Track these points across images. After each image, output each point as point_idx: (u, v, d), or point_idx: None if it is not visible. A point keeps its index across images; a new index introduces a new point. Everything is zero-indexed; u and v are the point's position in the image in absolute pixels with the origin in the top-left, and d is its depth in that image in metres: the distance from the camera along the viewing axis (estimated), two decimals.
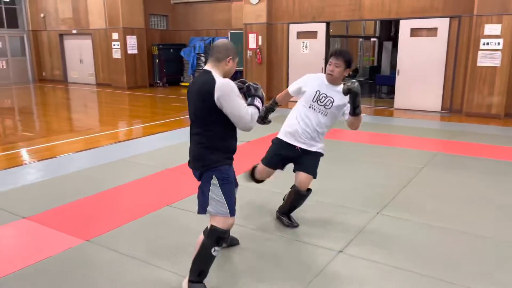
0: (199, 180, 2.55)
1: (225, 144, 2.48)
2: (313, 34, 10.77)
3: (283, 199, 3.57)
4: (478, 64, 8.54)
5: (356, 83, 2.87)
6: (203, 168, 2.47)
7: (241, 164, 3.09)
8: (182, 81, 15.01)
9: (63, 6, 15.56)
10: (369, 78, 14.92)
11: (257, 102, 2.49)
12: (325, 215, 3.69)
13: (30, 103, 12.11)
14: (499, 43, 8.30)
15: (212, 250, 2.43)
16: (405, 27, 9.53)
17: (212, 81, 2.35)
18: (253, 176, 3.56)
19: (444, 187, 4.47)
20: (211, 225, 2.46)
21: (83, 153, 5.95)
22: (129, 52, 14.06)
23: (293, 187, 3.33)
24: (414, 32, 9.46)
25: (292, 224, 3.43)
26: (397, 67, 9.79)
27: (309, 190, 3.33)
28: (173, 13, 15.71)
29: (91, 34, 15.09)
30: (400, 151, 6.03)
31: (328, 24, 10.61)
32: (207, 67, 2.47)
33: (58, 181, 4.65)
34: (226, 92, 2.32)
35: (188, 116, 2.59)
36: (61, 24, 15.86)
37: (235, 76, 14.63)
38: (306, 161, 3.28)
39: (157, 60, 14.83)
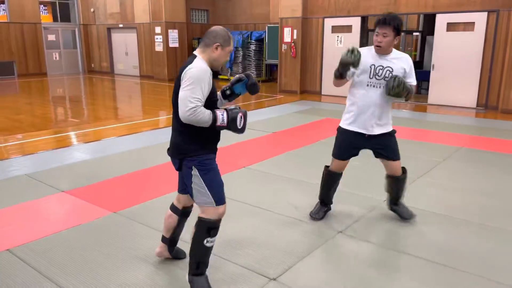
0: (177, 170, 2.49)
1: (202, 131, 2.32)
2: (347, 28, 10.82)
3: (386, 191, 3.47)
4: None
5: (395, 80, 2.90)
6: (181, 156, 2.39)
7: None
8: (221, 74, 15.45)
9: (111, 1, 16.43)
10: None
11: (221, 114, 2.28)
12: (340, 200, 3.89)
13: (80, 92, 13.01)
14: None
15: (205, 241, 2.37)
16: (441, 21, 9.39)
17: (188, 65, 2.28)
18: (330, 174, 3.40)
19: (460, 180, 4.54)
20: (199, 216, 2.40)
21: (125, 137, 6.48)
22: (171, 45, 14.67)
23: (388, 177, 3.33)
24: (451, 27, 9.30)
25: (407, 211, 3.42)
26: (432, 62, 9.67)
27: (404, 171, 3.31)
28: (214, 7, 16.17)
29: (136, 28, 15.85)
30: (422, 145, 6.08)
31: (363, 18, 10.61)
32: (196, 52, 2.39)
33: (98, 161, 5.16)
34: (189, 75, 2.21)
35: None
36: (109, 18, 16.76)
37: (272, 69, 14.89)
38: (385, 146, 3.18)
39: None
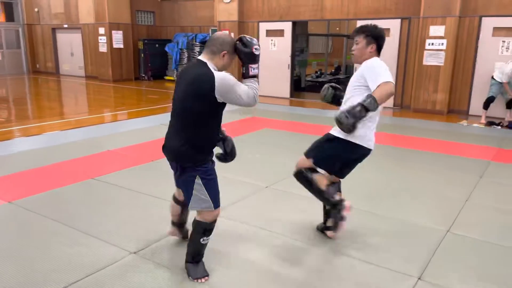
0: (177, 171, 2.55)
1: (210, 140, 2.51)
2: (280, 32, 11.39)
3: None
4: (424, 63, 9.11)
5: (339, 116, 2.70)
6: (187, 165, 2.47)
7: None
8: (167, 75, 15.71)
9: (55, 1, 16.32)
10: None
11: (252, 82, 2.43)
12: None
13: (24, 93, 12.92)
14: (443, 44, 8.86)
15: (201, 240, 2.60)
16: None
17: (210, 74, 2.34)
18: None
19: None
20: (196, 219, 2.59)
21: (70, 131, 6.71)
22: (115, 46, 14.78)
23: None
24: None
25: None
26: (355, 66, 10.38)
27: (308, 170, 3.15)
28: (160, 9, 16.39)
29: (81, 29, 15.84)
30: None
31: (294, 23, 11.21)
32: (203, 58, 2.43)
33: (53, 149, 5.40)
34: (227, 87, 2.33)
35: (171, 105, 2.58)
36: (53, 18, 16.64)
37: None
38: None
39: (142, 55, 15.55)
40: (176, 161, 2.53)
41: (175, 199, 3.00)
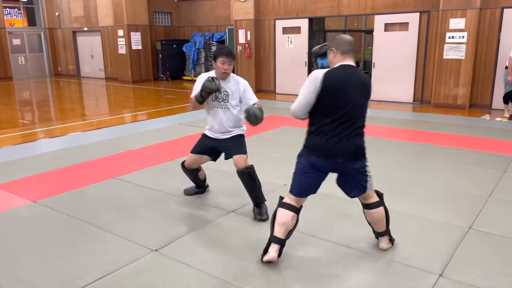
0: (345, 173, 2.76)
1: None
2: (297, 30, 11.35)
3: None
4: (445, 57, 8.94)
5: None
6: (362, 160, 2.76)
7: None
8: (184, 75, 15.85)
9: (75, 4, 16.66)
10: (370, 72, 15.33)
11: None
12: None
13: (47, 95, 13.26)
14: (463, 37, 8.68)
15: None
16: (379, 22, 10.00)
17: (367, 76, 2.76)
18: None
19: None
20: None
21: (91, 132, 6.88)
22: (134, 47, 14.99)
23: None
24: (388, 27, 9.92)
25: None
26: (373, 60, 10.27)
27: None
28: (177, 10, 16.54)
29: (100, 31, 16.12)
30: None
31: (310, 20, 11.15)
32: (351, 62, 2.68)
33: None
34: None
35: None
36: (73, 22, 16.99)
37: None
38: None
39: (160, 55, 15.72)
40: (355, 159, 2.72)
41: (291, 207, 2.82)
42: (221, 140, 3.68)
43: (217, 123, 3.65)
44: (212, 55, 15.17)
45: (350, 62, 2.66)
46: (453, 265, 2.86)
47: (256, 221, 3.54)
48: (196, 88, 3.56)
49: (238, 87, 3.62)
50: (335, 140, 2.64)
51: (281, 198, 2.89)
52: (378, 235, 3.05)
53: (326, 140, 2.66)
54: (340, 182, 2.86)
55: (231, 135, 3.68)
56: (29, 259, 2.96)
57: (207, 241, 3.24)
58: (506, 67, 7.79)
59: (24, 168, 5.06)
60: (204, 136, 3.78)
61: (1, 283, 2.66)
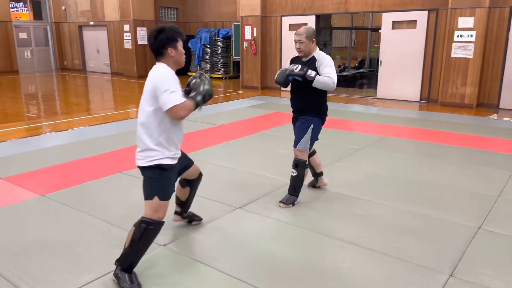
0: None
1: None
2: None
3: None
4: (452, 55, 8.88)
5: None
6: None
7: None
8: (190, 71, 15.83)
9: None
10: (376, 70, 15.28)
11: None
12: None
13: (52, 90, 13.28)
14: (471, 35, 8.61)
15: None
16: (387, 19, 9.93)
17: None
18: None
19: (365, 164, 5.05)
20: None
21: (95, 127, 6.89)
22: (139, 43, 15.00)
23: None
24: (396, 25, 9.86)
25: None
26: (380, 58, 10.21)
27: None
28: (183, 5, 16.52)
29: (106, 26, 16.12)
30: (349, 134, 6.59)
31: (317, 17, 11.10)
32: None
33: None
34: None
35: None
36: (80, 16, 17.00)
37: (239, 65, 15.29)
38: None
39: None
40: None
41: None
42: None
43: (181, 135, 2.77)
44: (217, 52, 15.24)
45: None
46: (463, 265, 2.84)
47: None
48: (179, 91, 2.56)
49: None
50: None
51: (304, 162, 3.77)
52: (318, 175, 4.07)
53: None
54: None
55: None
56: (38, 253, 2.96)
57: (214, 237, 3.23)
58: None
59: (30, 161, 5.08)
60: (166, 169, 2.67)
61: (11, 277, 2.67)
